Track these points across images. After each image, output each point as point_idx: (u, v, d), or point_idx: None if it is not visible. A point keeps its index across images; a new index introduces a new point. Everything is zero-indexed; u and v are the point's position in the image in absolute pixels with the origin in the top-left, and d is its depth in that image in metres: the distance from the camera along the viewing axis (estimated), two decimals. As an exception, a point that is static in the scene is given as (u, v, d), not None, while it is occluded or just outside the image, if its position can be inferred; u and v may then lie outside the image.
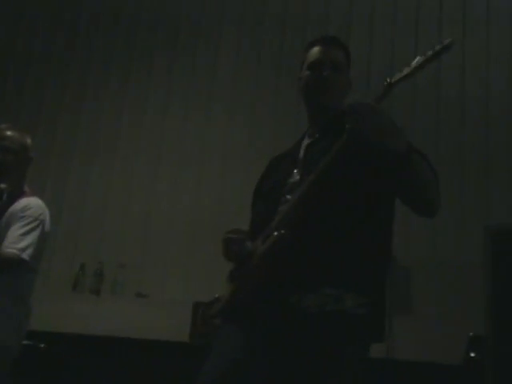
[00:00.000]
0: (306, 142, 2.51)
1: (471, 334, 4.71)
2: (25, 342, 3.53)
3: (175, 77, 6.47)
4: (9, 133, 3.57)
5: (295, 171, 2.39)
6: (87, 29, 6.79)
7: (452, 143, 5.77)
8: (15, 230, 3.35)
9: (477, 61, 5.90)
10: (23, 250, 3.31)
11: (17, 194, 3.52)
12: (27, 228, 3.38)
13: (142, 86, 6.50)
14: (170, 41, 6.60)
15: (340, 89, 2.52)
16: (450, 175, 5.61)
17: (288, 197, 2.30)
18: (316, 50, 2.54)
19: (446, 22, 6.05)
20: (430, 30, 6.05)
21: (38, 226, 3.43)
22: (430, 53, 2.13)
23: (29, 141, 3.63)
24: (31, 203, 3.49)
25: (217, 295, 2.43)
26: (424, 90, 5.83)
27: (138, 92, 6.49)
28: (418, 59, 2.14)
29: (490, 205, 5.50)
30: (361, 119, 2.07)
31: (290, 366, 2.14)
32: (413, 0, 6.21)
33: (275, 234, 2.18)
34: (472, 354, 4.61)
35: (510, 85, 5.86)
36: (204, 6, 6.64)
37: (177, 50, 6.56)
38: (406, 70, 2.15)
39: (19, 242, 3.31)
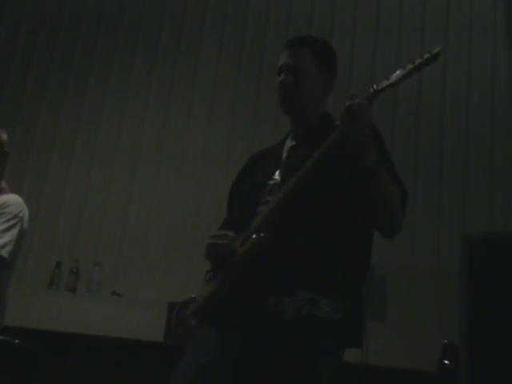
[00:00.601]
0: (289, 143, 2.50)
1: (445, 341, 4.73)
2: (-1, 338, 3.51)
3: (155, 80, 6.45)
4: None
5: (277, 172, 2.38)
6: (70, 28, 6.75)
7: (430, 152, 5.81)
8: (-6, 228, 3.32)
9: (458, 69, 5.94)
10: (2, 247, 3.28)
11: None
12: (6, 225, 3.35)
13: (121, 87, 6.47)
14: (150, 43, 6.58)
15: (305, 91, 2.45)
16: (427, 183, 5.65)
17: (268, 198, 2.30)
18: (282, 54, 2.51)
19: (428, 29, 6.08)
20: (412, 37, 6.08)
21: (17, 223, 3.40)
22: (418, 61, 2.13)
23: (4, 136, 3.59)
24: (10, 200, 3.46)
25: (193, 295, 2.42)
26: (404, 98, 5.86)
27: (118, 93, 6.47)
28: (404, 68, 2.14)
29: (467, 213, 5.54)
30: (355, 120, 2.08)
31: (264, 370, 2.14)
32: (395, 7, 6.24)
33: (254, 236, 2.18)
34: (446, 362, 4.64)
35: (489, 94, 5.90)
36: (186, 7, 6.63)
37: (158, 51, 6.54)
38: (392, 78, 2.15)
39: None
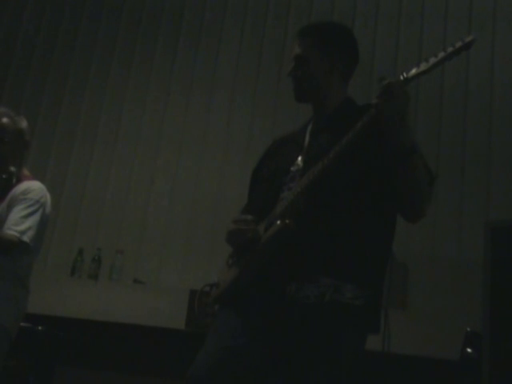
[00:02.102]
0: (311, 129, 2.48)
1: (468, 329, 4.70)
2: (23, 324, 3.53)
3: (177, 67, 6.43)
4: (3, 120, 3.55)
5: (299, 158, 2.37)
6: (93, 15, 6.76)
7: (453, 139, 5.76)
8: (16, 213, 3.34)
9: (481, 58, 5.88)
10: (24, 232, 3.30)
11: (17, 178, 3.51)
12: (28, 211, 3.36)
13: (142, 74, 6.46)
14: (172, 29, 6.55)
15: (311, 77, 2.46)
16: (450, 171, 5.60)
17: (291, 184, 2.29)
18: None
19: (450, 17, 6.02)
20: (434, 25, 6.02)
21: (38, 208, 3.42)
22: (450, 49, 2.10)
23: (24, 124, 3.59)
24: (32, 186, 3.48)
25: (216, 280, 2.42)
26: (427, 85, 5.81)
27: (139, 80, 6.46)
28: (435, 56, 2.11)
29: (490, 201, 5.49)
30: (392, 99, 2.06)
31: (287, 354, 2.14)
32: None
33: (279, 222, 2.17)
34: (469, 350, 4.61)
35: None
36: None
37: (179, 39, 6.52)
38: (423, 66, 2.12)
39: (20, 224, 3.30)
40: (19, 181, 3.49)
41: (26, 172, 3.59)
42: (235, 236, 2.32)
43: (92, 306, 5.28)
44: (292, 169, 2.35)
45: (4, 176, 3.43)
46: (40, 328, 4.10)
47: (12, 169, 3.46)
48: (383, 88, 2.08)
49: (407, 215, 2.31)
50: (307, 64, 2.45)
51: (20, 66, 6.71)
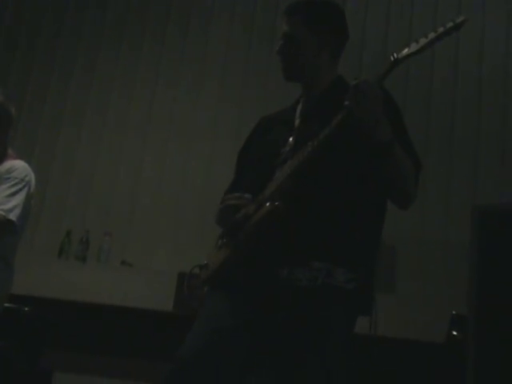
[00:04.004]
0: (301, 109, 2.46)
1: (454, 312, 4.74)
2: (9, 305, 3.52)
3: (165, 53, 6.40)
4: None
5: (290, 139, 2.35)
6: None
7: (441, 123, 5.78)
8: (1, 192, 3.33)
9: (471, 42, 5.89)
10: (10, 210, 3.29)
11: (0, 158, 3.49)
12: (13, 189, 3.36)
13: (131, 59, 6.43)
14: (160, 17, 6.51)
15: (298, 55, 2.42)
16: (438, 154, 5.63)
17: (281, 165, 2.26)
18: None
19: (441, 0, 6.03)
20: (425, 9, 6.02)
21: (23, 187, 3.41)
22: (440, 29, 2.09)
23: (4, 102, 3.57)
24: (16, 165, 3.47)
25: (204, 262, 2.42)
26: (416, 71, 5.82)
27: (128, 66, 6.42)
28: (426, 36, 2.09)
29: (478, 184, 5.53)
30: (361, 100, 2.05)
31: (279, 336, 2.14)
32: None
33: (268, 204, 2.17)
34: (454, 333, 4.64)
35: (502, 68, 5.86)
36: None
37: (168, 25, 6.47)
38: (413, 47, 2.10)
39: (6, 203, 3.30)
40: (3, 160, 3.47)
41: (10, 151, 3.57)
42: (227, 213, 2.31)
43: (80, 288, 5.27)
44: (283, 150, 2.33)
45: None
46: (26, 309, 4.08)
47: None
48: (352, 89, 2.06)
49: (395, 202, 2.31)
50: (295, 42, 2.41)
51: (7, 48, 6.64)
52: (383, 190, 2.28)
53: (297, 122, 2.41)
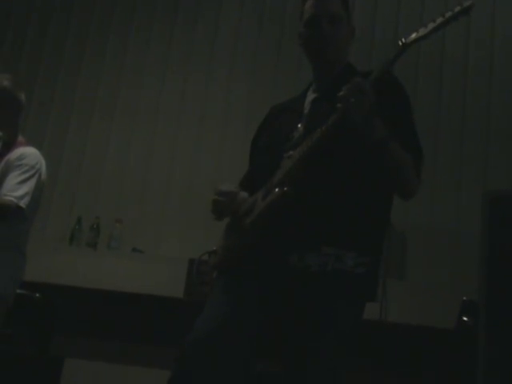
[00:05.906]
0: (311, 96, 2.45)
1: (465, 298, 4.73)
2: (21, 292, 3.54)
3: (175, 37, 6.37)
4: None
5: (299, 126, 2.34)
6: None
7: (452, 109, 5.75)
8: (12, 179, 3.34)
9: (482, 26, 5.84)
10: (21, 197, 3.31)
11: (11, 144, 3.50)
12: (24, 176, 3.37)
13: (141, 45, 6.40)
14: (170, 2, 6.48)
15: (342, 41, 2.41)
16: (448, 141, 5.60)
17: (291, 152, 2.26)
18: (310, 3, 2.42)
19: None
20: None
21: (34, 174, 3.42)
22: (448, 14, 2.08)
23: (5, 83, 3.55)
24: (27, 152, 3.48)
25: (214, 248, 2.42)
26: (426, 56, 5.79)
27: (138, 52, 6.39)
28: (434, 21, 2.09)
29: (489, 171, 5.50)
30: (353, 101, 2.04)
31: (287, 322, 2.15)
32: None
33: (277, 190, 2.16)
34: (465, 319, 4.64)
35: (512, 52, 5.83)
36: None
37: (178, 9, 6.44)
38: (422, 31, 2.10)
39: (16, 190, 3.31)
40: (14, 147, 3.48)
41: (20, 138, 3.58)
42: (215, 206, 2.39)
43: (90, 275, 5.28)
44: (292, 136, 2.33)
45: None
46: (38, 295, 4.10)
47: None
48: (338, 98, 2.06)
49: (397, 194, 2.32)
50: (339, 24, 2.39)
51: (18, 31, 6.64)
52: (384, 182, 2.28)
53: (307, 108, 2.41)
